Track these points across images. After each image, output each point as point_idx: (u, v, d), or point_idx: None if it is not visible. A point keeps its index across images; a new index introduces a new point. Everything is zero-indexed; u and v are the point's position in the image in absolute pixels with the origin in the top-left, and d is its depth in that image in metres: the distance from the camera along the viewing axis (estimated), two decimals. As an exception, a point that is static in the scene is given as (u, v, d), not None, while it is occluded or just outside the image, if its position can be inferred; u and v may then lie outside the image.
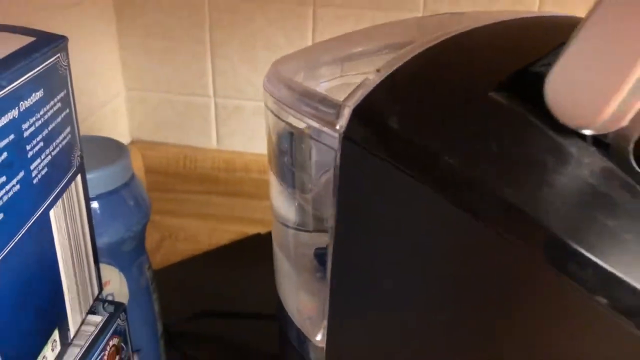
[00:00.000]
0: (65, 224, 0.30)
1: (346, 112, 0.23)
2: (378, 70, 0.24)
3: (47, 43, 0.27)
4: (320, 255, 0.31)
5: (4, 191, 0.24)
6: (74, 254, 0.31)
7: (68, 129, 0.30)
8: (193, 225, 0.70)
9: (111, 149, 0.38)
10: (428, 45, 0.25)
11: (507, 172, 0.20)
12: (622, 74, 0.18)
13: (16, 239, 0.25)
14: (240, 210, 0.69)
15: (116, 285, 0.39)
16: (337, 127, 0.23)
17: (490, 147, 0.21)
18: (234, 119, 0.67)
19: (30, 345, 0.28)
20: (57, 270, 0.29)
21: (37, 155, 0.27)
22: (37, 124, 0.26)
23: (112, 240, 0.37)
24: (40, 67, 0.26)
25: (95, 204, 0.36)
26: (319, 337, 0.31)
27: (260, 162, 0.67)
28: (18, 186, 0.25)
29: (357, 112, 0.23)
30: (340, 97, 0.25)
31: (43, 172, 0.27)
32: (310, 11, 0.60)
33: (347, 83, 0.29)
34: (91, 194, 0.34)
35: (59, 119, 0.29)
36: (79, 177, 0.31)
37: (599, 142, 0.21)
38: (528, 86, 0.22)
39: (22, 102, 0.25)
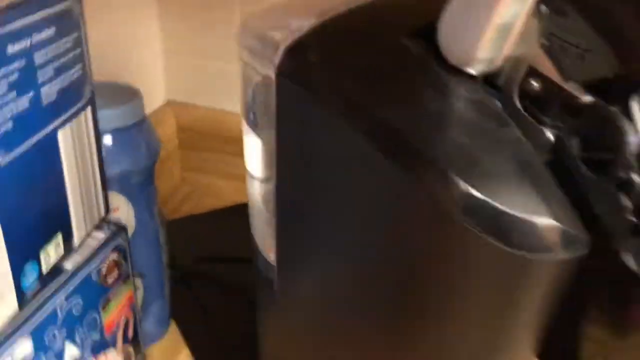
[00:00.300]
0: (73, 146, 0.35)
1: (280, 51, 0.27)
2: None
3: (62, -11, 0.32)
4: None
5: (14, 104, 0.30)
6: (81, 174, 0.37)
7: (79, 66, 0.35)
8: (220, 183, 0.76)
9: (127, 94, 0.43)
10: (361, 3, 0.29)
11: (393, 100, 0.24)
12: (487, 17, 0.21)
13: (23, 147, 0.31)
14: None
15: (124, 212, 0.44)
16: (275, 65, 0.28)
17: (385, 79, 0.25)
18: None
19: (33, 240, 0.33)
20: (63, 182, 0.35)
21: (47, 82, 0.32)
22: (48, 55, 0.32)
23: (121, 170, 0.42)
24: (55, 7, 0.32)
25: (107, 138, 0.41)
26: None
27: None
28: (27, 104, 0.31)
29: (288, 50, 0.27)
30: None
31: (52, 98, 0.33)
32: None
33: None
34: (104, 128, 0.40)
35: (70, 56, 0.34)
36: (89, 109, 0.37)
37: (492, 84, 0.24)
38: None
39: (34, 34, 0.30)
